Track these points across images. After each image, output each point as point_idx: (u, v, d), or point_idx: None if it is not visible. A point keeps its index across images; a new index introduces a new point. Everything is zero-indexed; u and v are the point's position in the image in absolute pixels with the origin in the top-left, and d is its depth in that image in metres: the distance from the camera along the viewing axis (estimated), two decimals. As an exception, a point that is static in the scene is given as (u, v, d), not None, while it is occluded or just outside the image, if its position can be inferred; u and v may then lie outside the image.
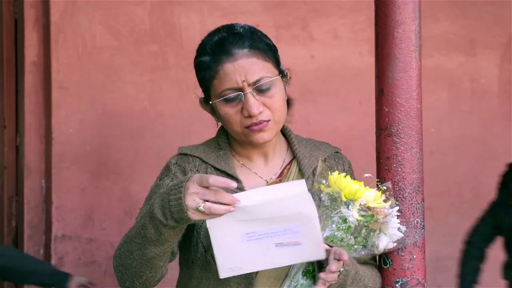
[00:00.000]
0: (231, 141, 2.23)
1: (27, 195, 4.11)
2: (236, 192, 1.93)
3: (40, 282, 3.41)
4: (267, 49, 2.15)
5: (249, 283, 2.10)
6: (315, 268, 2.06)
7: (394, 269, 2.20)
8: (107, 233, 4.11)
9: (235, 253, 1.97)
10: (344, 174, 2.09)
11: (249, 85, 2.10)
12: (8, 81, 4.28)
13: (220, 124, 2.21)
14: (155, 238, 1.96)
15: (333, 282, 2.01)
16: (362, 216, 2.04)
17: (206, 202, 1.87)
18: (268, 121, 2.13)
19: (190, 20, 4.23)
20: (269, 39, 2.18)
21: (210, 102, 2.16)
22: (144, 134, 4.19)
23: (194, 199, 1.88)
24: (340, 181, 2.05)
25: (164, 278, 2.12)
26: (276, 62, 2.17)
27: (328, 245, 2.03)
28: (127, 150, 4.15)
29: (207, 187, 1.88)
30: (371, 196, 2.05)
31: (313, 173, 2.20)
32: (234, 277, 2.07)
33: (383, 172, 2.20)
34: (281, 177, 2.21)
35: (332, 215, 2.05)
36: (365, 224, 2.06)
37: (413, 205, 2.18)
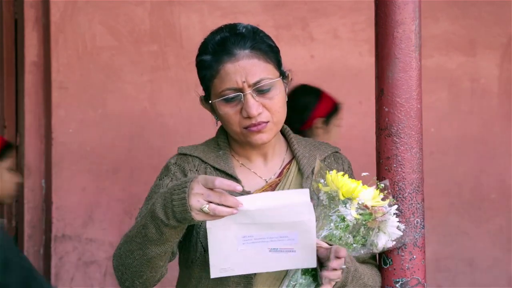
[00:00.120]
0: (231, 141, 2.23)
1: (27, 195, 4.11)
2: (240, 195, 1.94)
3: None
4: (268, 50, 2.15)
5: (248, 282, 2.10)
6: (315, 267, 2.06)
7: (394, 269, 2.20)
8: (107, 233, 4.11)
9: (229, 254, 1.98)
10: (342, 173, 2.09)
11: (249, 86, 2.10)
12: (8, 81, 4.28)
13: (219, 123, 2.21)
14: (156, 237, 1.97)
15: (338, 279, 2.01)
16: (360, 214, 2.04)
17: (211, 204, 1.88)
18: (267, 122, 2.13)
19: (190, 20, 4.23)
20: (272, 40, 2.18)
21: (210, 102, 2.16)
22: (144, 134, 4.19)
23: (198, 200, 1.88)
24: (337, 180, 2.05)
25: (163, 278, 2.12)
26: (278, 64, 2.17)
27: (328, 244, 2.03)
28: (127, 150, 4.15)
29: (211, 189, 1.88)
30: (369, 194, 2.05)
31: (313, 173, 2.20)
32: (233, 276, 2.07)
33: (383, 172, 2.20)
34: (281, 177, 2.21)
35: (330, 214, 2.05)
36: (364, 222, 2.06)
37: (413, 205, 2.18)
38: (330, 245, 2.03)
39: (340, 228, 2.05)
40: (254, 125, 2.12)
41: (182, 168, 2.19)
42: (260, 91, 2.11)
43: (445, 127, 4.61)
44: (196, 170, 2.19)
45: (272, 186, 2.19)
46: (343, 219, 2.04)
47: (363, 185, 2.07)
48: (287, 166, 2.24)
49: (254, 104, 2.10)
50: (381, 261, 2.22)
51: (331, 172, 2.08)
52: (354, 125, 4.43)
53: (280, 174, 2.22)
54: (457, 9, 4.64)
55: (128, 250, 2.03)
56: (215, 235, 1.95)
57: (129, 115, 4.17)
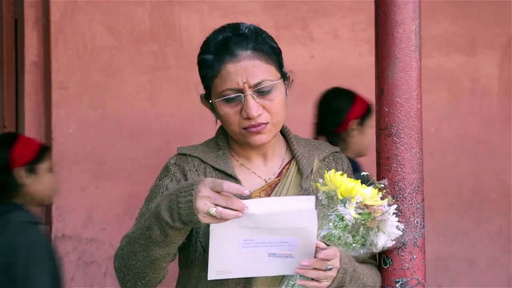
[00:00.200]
0: (230, 141, 2.23)
1: (27, 195, 4.11)
2: (245, 199, 1.94)
3: None
4: (270, 52, 2.14)
5: (248, 282, 2.10)
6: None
7: (394, 269, 2.19)
8: (107, 233, 4.11)
9: (229, 257, 1.98)
10: (341, 172, 2.09)
11: (250, 87, 2.10)
12: (8, 81, 4.28)
13: (219, 122, 2.21)
14: (160, 239, 1.97)
15: (325, 280, 2.01)
16: (359, 214, 2.04)
17: (218, 207, 1.88)
18: (267, 123, 2.13)
19: (190, 20, 4.23)
20: (274, 42, 2.18)
21: (210, 101, 2.16)
22: (144, 134, 4.19)
23: (205, 203, 1.88)
24: (335, 179, 2.05)
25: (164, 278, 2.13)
26: (279, 65, 2.17)
27: (326, 244, 2.03)
28: (127, 150, 4.16)
29: (218, 192, 1.88)
30: (368, 193, 2.05)
31: (312, 173, 2.20)
32: (232, 276, 2.08)
33: (383, 172, 2.19)
34: (280, 177, 2.21)
35: (329, 214, 2.05)
36: (363, 222, 2.06)
37: (413, 205, 2.18)
38: (328, 245, 2.03)
39: (339, 228, 2.05)
40: (254, 126, 2.12)
41: (182, 168, 2.19)
42: (261, 92, 2.11)
43: (445, 127, 4.61)
44: (196, 170, 2.19)
45: (272, 186, 2.19)
46: (342, 219, 2.04)
47: (362, 184, 2.07)
48: (287, 166, 2.24)
49: (254, 105, 2.10)
50: (381, 261, 2.21)
51: (329, 171, 2.08)
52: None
53: (280, 174, 2.22)
54: (457, 9, 4.64)
55: (131, 251, 2.03)
56: (217, 237, 1.95)
57: (129, 115, 4.17)
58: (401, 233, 2.13)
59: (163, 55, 4.21)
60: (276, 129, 2.17)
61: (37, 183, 3.38)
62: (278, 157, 2.25)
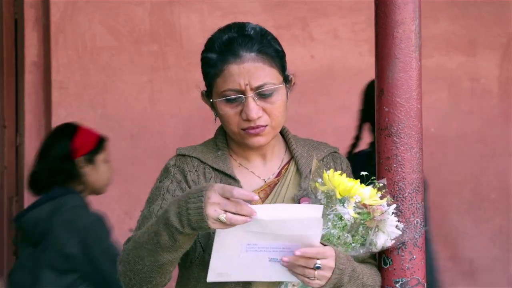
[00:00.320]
0: (229, 141, 2.23)
1: (27, 195, 4.11)
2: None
3: None
4: (275, 55, 2.14)
5: (247, 282, 2.10)
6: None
7: (394, 269, 2.19)
8: (107, 233, 4.10)
9: (231, 260, 1.98)
10: (339, 172, 2.09)
11: (251, 89, 2.10)
12: (8, 81, 4.28)
13: (218, 121, 2.21)
14: (169, 244, 1.97)
15: (312, 276, 2.00)
16: (358, 213, 2.04)
17: (228, 213, 1.88)
18: (266, 126, 2.13)
19: (190, 20, 4.23)
20: (279, 44, 2.17)
21: (212, 100, 2.17)
22: (144, 134, 4.19)
23: (215, 210, 1.88)
24: (334, 179, 2.05)
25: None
26: (282, 69, 2.16)
27: (323, 244, 2.03)
28: (127, 150, 4.16)
29: (227, 198, 1.89)
30: (367, 193, 2.05)
31: (311, 172, 2.20)
32: (232, 276, 2.08)
33: (383, 172, 2.19)
34: (279, 177, 2.21)
35: (327, 213, 2.05)
36: (362, 222, 2.06)
37: (413, 205, 2.18)
38: (325, 245, 2.03)
39: (338, 227, 2.05)
40: (253, 128, 2.12)
41: (182, 169, 2.19)
42: (262, 95, 2.11)
43: (445, 127, 4.61)
44: (195, 170, 2.19)
45: (271, 186, 2.19)
46: (341, 218, 2.04)
47: (361, 184, 2.07)
48: (286, 166, 2.24)
49: (254, 107, 2.10)
50: (381, 261, 2.21)
51: (328, 171, 2.08)
52: (354, 125, 4.43)
53: (279, 174, 2.22)
54: (457, 9, 4.64)
55: (137, 256, 2.03)
56: (221, 240, 1.95)
57: (129, 115, 4.17)
58: (400, 233, 2.13)
59: (163, 55, 4.21)
60: (274, 131, 2.17)
61: (94, 173, 3.56)
62: (277, 157, 2.25)
